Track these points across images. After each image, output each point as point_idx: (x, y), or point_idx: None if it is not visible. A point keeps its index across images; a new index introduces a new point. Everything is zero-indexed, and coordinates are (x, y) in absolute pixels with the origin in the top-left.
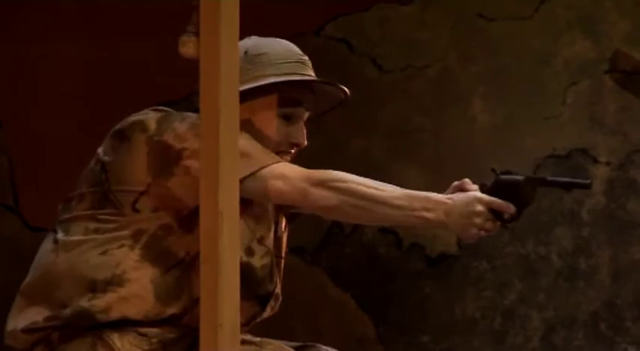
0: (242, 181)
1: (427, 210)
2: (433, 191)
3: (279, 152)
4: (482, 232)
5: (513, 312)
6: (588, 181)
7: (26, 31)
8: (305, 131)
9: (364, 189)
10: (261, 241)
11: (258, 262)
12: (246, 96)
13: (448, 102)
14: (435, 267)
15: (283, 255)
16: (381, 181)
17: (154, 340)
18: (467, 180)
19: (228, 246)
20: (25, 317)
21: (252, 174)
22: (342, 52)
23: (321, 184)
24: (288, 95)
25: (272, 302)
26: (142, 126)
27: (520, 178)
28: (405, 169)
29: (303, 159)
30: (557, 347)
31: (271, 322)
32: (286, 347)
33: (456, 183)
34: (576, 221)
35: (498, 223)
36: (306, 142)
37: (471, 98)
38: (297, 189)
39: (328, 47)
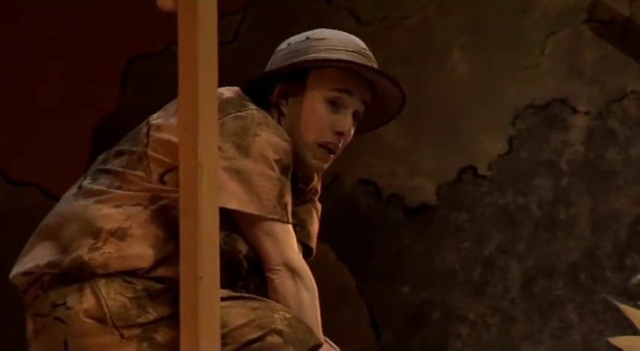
0: (237, 209)
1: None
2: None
3: (322, 144)
4: None
5: (492, 262)
6: None
7: None
8: (350, 121)
9: (313, 302)
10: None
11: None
12: (296, 75)
13: (427, 53)
14: (415, 218)
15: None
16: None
17: (139, 288)
18: None
19: (207, 198)
20: (31, 258)
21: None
22: (320, 4)
23: (295, 273)
24: (340, 82)
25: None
26: None
27: None
28: None
29: None
30: (536, 297)
31: None
32: (272, 302)
33: None
34: (555, 171)
35: None
36: (351, 132)
37: (451, 49)
38: (276, 258)
39: (305, 0)
